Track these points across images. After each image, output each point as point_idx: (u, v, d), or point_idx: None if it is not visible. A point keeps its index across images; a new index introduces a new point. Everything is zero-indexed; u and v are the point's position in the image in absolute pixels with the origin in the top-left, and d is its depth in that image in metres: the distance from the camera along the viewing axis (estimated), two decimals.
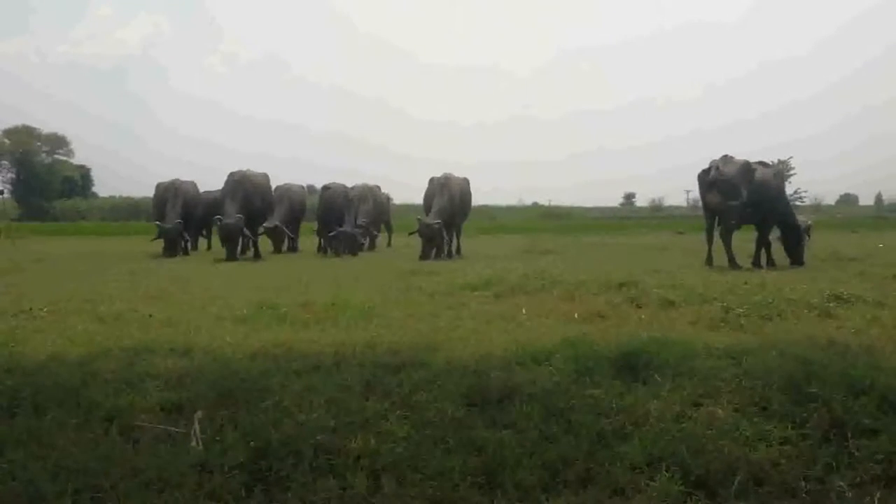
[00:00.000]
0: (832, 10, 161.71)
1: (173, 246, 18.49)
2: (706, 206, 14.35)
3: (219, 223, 17.07)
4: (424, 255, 16.61)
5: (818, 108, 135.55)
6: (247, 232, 17.25)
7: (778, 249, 14.32)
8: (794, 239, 14.18)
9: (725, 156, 14.11)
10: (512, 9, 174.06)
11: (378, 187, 22.57)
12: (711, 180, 13.88)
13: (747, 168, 13.81)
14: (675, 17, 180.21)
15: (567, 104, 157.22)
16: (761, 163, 14.57)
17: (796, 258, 14.07)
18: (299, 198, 21.30)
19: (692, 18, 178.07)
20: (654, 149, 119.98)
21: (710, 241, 14.09)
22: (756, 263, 13.86)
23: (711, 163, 14.07)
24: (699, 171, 14.29)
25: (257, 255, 18.17)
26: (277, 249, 19.17)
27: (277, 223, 18.94)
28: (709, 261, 13.77)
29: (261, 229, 18.38)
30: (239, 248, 17.86)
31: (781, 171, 14.43)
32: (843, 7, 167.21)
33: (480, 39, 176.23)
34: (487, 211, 53.54)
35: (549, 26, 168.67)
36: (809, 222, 14.73)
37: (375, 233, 20.68)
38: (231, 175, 18.00)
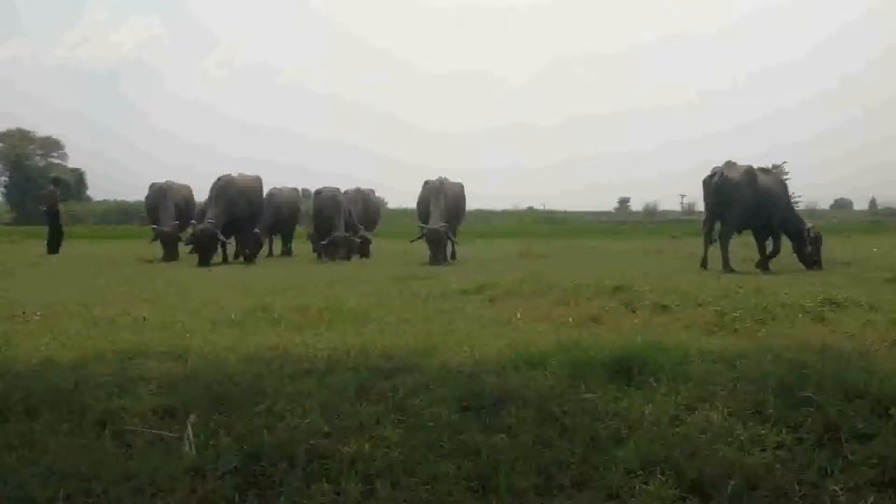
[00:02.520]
0: (826, 14, 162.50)
1: (172, 249, 18.14)
2: (710, 210, 14.41)
3: (193, 228, 16.71)
4: (434, 260, 16.51)
5: (814, 112, 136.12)
6: (220, 237, 16.76)
7: (782, 256, 14.34)
8: (802, 244, 14.18)
9: (729, 161, 14.21)
10: (506, 16, 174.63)
11: (372, 191, 22.54)
12: (715, 185, 13.97)
13: (751, 173, 13.89)
14: (670, 23, 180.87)
15: (562, 110, 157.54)
16: (762, 169, 14.63)
17: (809, 262, 14.04)
18: (288, 202, 20.97)
19: (687, 25, 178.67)
20: (648, 154, 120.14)
21: (707, 244, 14.13)
22: (764, 267, 13.88)
23: (714, 169, 14.17)
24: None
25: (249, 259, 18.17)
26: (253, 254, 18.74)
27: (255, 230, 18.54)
28: (703, 264, 13.81)
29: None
30: (229, 252, 17.75)
31: (778, 176, 14.36)
32: (838, 11, 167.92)
33: (475, 46, 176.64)
34: (482, 215, 53.55)
35: (543, 33, 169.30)
36: (814, 230, 14.47)
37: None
38: (217, 180, 17.64)
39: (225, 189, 17.42)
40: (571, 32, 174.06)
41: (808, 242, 14.18)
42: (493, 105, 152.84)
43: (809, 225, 14.46)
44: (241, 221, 17.68)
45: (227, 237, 17.43)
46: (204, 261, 16.28)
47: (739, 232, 14.64)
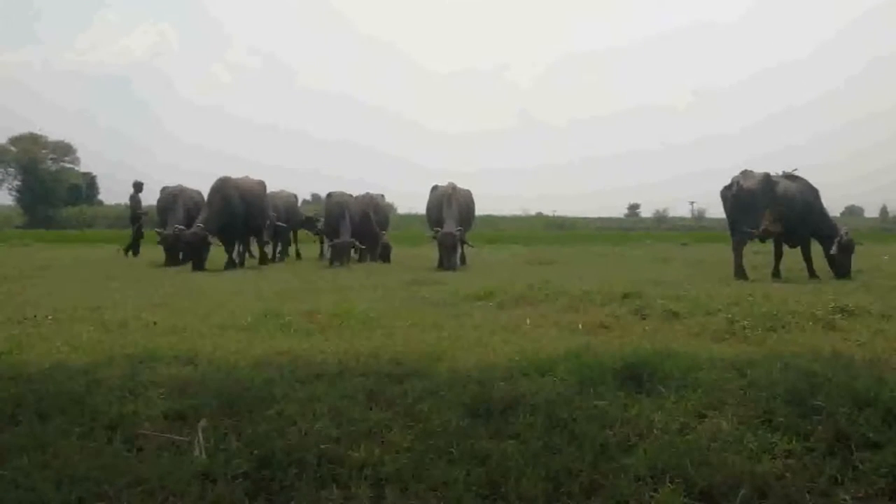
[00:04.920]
0: (833, 11, 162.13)
1: (173, 254, 17.81)
2: (730, 220, 14.28)
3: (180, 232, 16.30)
4: (449, 265, 16.24)
5: (820, 113, 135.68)
6: (211, 240, 16.24)
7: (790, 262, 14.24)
8: (832, 250, 13.91)
9: (745, 171, 14.10)
10: (515, 14, 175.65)
11: (382, 196, 22.56)
12: (732, 196, 13.88)
13: (768, 181, 13.76)
14: (676, 21, 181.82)
15: (569, 111, 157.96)
16: (789, 175, 14.35)
17: (839, 271, 13.76)
18: (281, 206, 20.77)
19: (694, 22, 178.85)
20: (655, 157, 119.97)
21: (738, 254, 13.90)
22: (812, 274, 13.77)
23: (733, 178, 14.08)
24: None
25: (262, 262, 18.19)
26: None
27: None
28: (739, 273, 13.73)
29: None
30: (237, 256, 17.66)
31: (806, 181, 13.95)
32: (845, 9, 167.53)
33: (482, 45, 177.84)
34: (491, 220, 53.57)
35: (550, 31, 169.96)
36: (847, 233, 14.11)
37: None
38: (215, 181, 17.22)
39: (220, 190, 16.95)
40: (579, 31, 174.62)
41: (838, 249, 13.84)
42: (501, 106, 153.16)
43: (844, 230, 14.18)
44: (240, 224, 17.33)
45: (227, 241, 17.15)
46: (198, 265, 15.93)
47: (763, 240, 14.51)
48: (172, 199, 19.05)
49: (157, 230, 18.77)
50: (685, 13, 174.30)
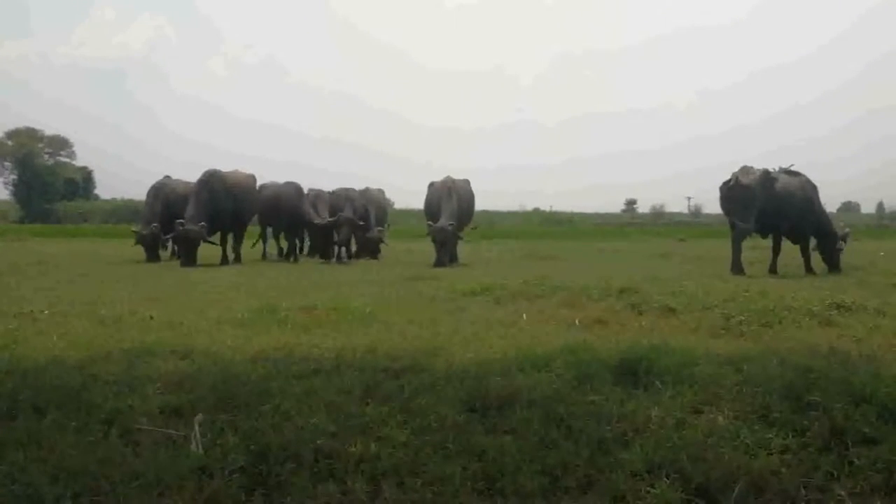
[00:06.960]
0: (832, 12, 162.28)
1: (150, 251, 17.52)
2: (727, 216, 14.33)
3: (179, 228, 16.03)
4: (440, 261, 16.05)
5: (820, 112, 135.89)
6: (208, 239, 16.30)
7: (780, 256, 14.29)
8: (829, 246, 14.21)
9: (744, 167, 14.13)
10: (512, 13, 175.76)
11: (381, 191, 22.52)
12: (729, 191, 13.91)
13: (766, 178, 13.78)
14: (673, 21, 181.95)
15: (567, 109, 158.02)
16: (788, 172, 14.42)
17: (831, 265, 14.07)
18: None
19: (691, 23, 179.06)
20: (654, 155, 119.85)
21: (736, 249, 13.96)
22: (809, 270, 13.95)
23: (732, 174, 14.11)
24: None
25: (263, 257, 18.17)
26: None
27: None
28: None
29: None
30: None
31: (805, 178, 14.06)
32: (844, 9, 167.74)
33: (481, 43, 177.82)
34: (488, 216, 53.50)
35: (548, 31, 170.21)
36: (847, 230, 14.55)
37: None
38: (202, 174, 16.97)
39: (207, 183, 16.76)
40: (576, 30, 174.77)
41: (837, 244, 14.21)
42: (499, 103, 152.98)
43: (847, 230, 14.39)
44: (228, 218, 17.12)
45: (210, 234, 16.87)
46: (189, 261, 15.85)
47: (764, 236, 14.58)
48: (154, 193, 18.52)
49: (134, 229, 18.36)
50: (684, 14, 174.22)
